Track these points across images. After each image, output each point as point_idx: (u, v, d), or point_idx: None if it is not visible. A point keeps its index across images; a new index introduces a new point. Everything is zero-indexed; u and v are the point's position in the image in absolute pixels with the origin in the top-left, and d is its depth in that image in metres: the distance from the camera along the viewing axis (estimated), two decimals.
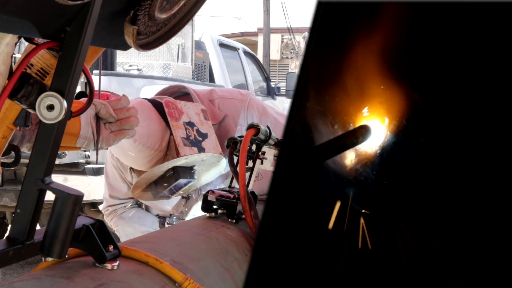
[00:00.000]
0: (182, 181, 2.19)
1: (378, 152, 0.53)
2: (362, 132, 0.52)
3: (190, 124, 2.19)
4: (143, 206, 2.66)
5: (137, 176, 2.40)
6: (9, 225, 4.99)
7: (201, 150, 2.15)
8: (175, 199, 2.41)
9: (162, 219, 2.53)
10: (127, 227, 2.56)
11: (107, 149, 1.63)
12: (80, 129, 1.43)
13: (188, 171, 2.19)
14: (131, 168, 2.48)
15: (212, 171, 2.25)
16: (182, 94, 2.48)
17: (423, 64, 0.53)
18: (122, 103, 1.48)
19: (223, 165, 2.22)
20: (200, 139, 2.18)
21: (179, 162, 2.14)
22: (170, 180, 2.19)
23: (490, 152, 0.48)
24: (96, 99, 1.50)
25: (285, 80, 9.16)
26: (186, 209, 2.44)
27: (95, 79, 1.13)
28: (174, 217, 2.45)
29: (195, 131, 2.18)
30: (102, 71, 4.90)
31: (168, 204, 2.50)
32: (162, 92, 2.52)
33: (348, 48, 0.55)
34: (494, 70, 0.50)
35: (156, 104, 2.27)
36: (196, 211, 2.33)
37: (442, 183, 0.50)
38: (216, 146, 2.19)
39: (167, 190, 2.23)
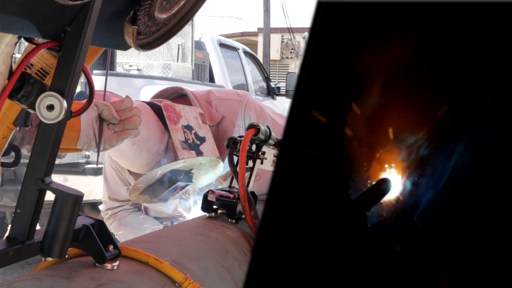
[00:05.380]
0: (180, 184, 2.20)
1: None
2: (383, 186, 0.52)
3: (189, 127, 2.19)
4: (142, 208, 2.65)
5: (134, 179, 2.40)
6: (9, 225, 4.99)
7: (199, 153, 2.15)
8: (174, 201, 2.42)
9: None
10: (128, 234, 2.55)
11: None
12: (81, 130, 1.43)
13: (186, 175, 2.20)
14: (129, 169, 2.48)
15: (209, 174, 2.25)
16: (179, 95, 2.48)
17: (427, 67, 0.53)
18: (125, 104, 1.48)
19: (221, 169, 2.22)
20: (198, 142, 2.18)
21: (177, 165, 2.14)
22: (168, 183, 2.20)
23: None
24: (99, 100, 1.50)
25: (285, 80, 9.16)
26: (188, 208, 2.44)
27: (95, 79, 1.13)
28: (175, 223, 2.45)
29: (193, 135, 2.19)
30: (102, 71, 4.90)
31: (168, 207, 2.50)
32: (160, 94, 2.51)
33: (348, 48, 0.55)
34: None
35: (154, 107, 2.27)
36: (195, 213, 2.34)
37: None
38: (214, 150, 2.20)
39: (165, 193, 2.23)
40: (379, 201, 0.52)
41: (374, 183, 0.53)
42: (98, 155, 1.52)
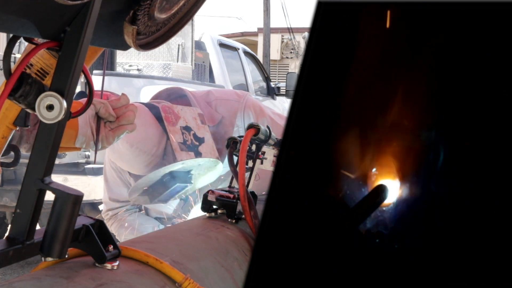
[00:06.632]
0: (179, 185, 2.20)
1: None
2: (380, 193, 0.52)
3: (187, 128, 2.19)
4: (143, 208, 2.65)
5: (134, 180, 2.40)
6: (9, 225, 4.99)
7: (198, 154, 2.16)
8: (175, 202, 2.42)
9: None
10: (129, 234, 2.55)
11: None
12: (78, 129, 1.42)
13: (184, 176, 2.20)
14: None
15: (208, 175, 2.25)
16: (179, 96, 2.47)
17: (426, 67, 0.53)
18: (121, 102, 1.48)
19: (220, 169, 2.22)
20: (197, 143, 2.18)
21: (176, 167, 2.15)
22: (167, 184, 2.20)
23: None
24: (95, 98, 1.50)
25: (285, 80, 9.15)
26: (188, 210, 2.44)
27: (95, 79, 1.13)
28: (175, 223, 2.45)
29: (192, 136, 2.19)
30: (102, 71, 4.89)
31: (169, 207, 2.51)
32: (159, 95, 2.51)
33: (348, 48, 0.55)
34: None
35: (153, 108, 2.26)
36: (195, 213, 2.34)
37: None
38: (213, 151, 2.20)
39: (164, 195, 2.24)
40: (377, 207, 0.52)
41: (371, 190, 0.53)
42: (95, 153, 1.51)
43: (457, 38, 0.52)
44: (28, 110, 0.96)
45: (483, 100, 0.50)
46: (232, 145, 1.58)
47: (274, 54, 20.00)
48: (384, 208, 0.52)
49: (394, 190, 0.52)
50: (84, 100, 1.38)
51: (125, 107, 1.48)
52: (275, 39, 19.86)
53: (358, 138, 0.54)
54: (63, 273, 0.95)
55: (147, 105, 2.32)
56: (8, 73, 0.94)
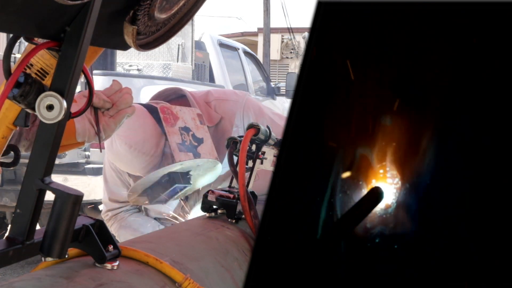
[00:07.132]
0: (178, 186, 2.20)
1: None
2: (376, 195, 0.52)
3: (186, 129, 2.19)
4: (143, 209, 2.65)
5: (134, 181, 2.40)
6: (9, 225, 4.98)
7: (197, 155, 2.15)
8: (175, 202, 2.42)
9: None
10: (129, 235, 2.55)
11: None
12: (74, 122, 1.42)
13: (183, 177, 2.20)
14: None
15: (208, 175, 2.25)
16: (178, 96, 2.47)
17: (427, 67, 0.53)
18: (113, 88, 1.48)
19: (219, 170, 2.22)
20: (196, 144, 2.18)
21: (175, 168, 2.14)
22: (166, 185, 2.20)
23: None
24: (84, 91, 1.49)
25: (285, 80, 9.15)
26: (188, 210, 2.44)
27: (94, 79, 1.13)
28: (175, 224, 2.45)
29: (191, 136, 2.18)
30: (101, 71, 4.91)
31: (168, 208, 2.50)
32: (158, 96, 2.51)
33: (348, 48, 0.55)
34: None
35: (151, 109, 2.26)
36: (195, 213, 2.34)
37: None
38: (212, 151, 2.19)
39: (163, 195, 2.23)
40: (372, 209, 0.52)
41: (367, 192, 0.53)
42: (100, 143, 1.50)
43: (457, 38, 0.52)
44: (28, 110, 0.96)
45: (483, 100, 0.50)
46: (232, 145, 1.58)
47: (274, 54, 19.99)
48: (384, 209, 0.52)
49: (394, 190, 0.52)
50: (77, 96, 1.38)
51: (119, 91, 1.48)
52: (275, 39, 19.85)
53: (357, 138, 0.54)
54: (63, 273, 0.95)
55: (145, 105, 2.32)
56: (8, 73, 0.94)
